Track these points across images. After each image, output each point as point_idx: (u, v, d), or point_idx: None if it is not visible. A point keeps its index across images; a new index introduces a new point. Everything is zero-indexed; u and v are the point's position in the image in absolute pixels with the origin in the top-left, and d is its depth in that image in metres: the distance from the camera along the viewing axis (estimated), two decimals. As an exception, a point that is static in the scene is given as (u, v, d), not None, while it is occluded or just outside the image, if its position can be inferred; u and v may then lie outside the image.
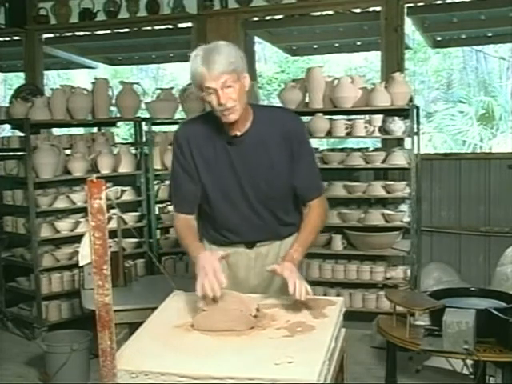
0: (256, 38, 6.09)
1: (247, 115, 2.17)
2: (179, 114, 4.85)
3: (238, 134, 2.17)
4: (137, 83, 4.79)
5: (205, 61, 2.00)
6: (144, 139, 4.70)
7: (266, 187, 2.19)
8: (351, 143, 7.64)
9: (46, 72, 6.63)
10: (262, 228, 2.12)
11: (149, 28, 5.94)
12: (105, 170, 4.48)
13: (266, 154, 2.18)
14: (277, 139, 2.18)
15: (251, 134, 2.18)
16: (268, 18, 5.55)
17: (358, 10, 5.31)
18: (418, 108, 4.47)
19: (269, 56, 12.08)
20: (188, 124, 2.35)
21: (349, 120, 4.46)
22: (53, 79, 10.92)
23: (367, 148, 5.07)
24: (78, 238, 3.97)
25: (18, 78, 8.75)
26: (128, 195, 4.70)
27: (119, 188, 4.63)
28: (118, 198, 4.54)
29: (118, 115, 4.76)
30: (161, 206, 4.73)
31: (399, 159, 4.33)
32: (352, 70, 11.18)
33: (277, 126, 2.20)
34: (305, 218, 2.27)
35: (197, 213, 2.36)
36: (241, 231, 2.25)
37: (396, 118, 4.25)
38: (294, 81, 4.64)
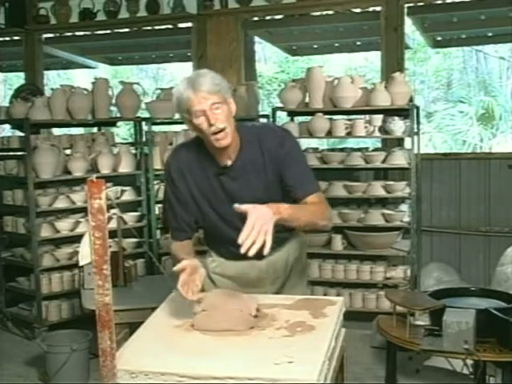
0: (256, 38, 6.09)
1: (236, 142, 2.15)
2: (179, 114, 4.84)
3: (229, 163, 2.15)
4: (137, 83, 4.79)
5: (190, 84, 2.01)
6: (144, 139, 4.71)
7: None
8: (351, 143, 7.62)
9: (46, 72, 6.63)
10: None
11: (149, 28, 5.95)
12: (105, 169, 4.48)
13: (258, 176, 2.16)
14: (266, 159, 2.16)
15: (241, 160, 2.16)
16: (268, 17, 5.56)
17: (358, 10, 5.31)
18: (418, 108, 4.48)
19: (269, 56, 12.06)
20: (178, 152, 2.31)
21: (349, 120, 4.46)
22: (53, 79, 10.90)
23: (367, 148, 5.07)
24: (77, 238, 3.97)
25: (18, 78, 8.73)
26: (128, 195, 4.71)
27: (119, 188, 4.63)
28: (117, 198, 4.54)
29: (118, 115, 4.76)
30: (161, 206, 4.73)
31: (399, 159, 4.33)
32: (352, 69, 11.15)
33: (264, 147, 2.16)
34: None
35: (201, 233, 2.38)
36: None
37: (396, 117, 4.25)
38: (294, 81, 4.64)
